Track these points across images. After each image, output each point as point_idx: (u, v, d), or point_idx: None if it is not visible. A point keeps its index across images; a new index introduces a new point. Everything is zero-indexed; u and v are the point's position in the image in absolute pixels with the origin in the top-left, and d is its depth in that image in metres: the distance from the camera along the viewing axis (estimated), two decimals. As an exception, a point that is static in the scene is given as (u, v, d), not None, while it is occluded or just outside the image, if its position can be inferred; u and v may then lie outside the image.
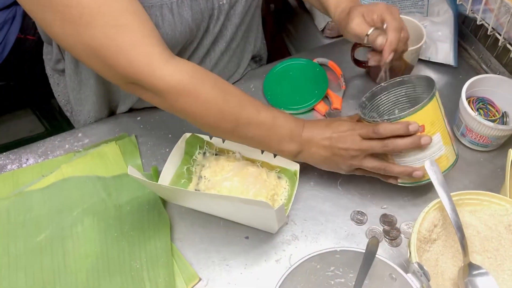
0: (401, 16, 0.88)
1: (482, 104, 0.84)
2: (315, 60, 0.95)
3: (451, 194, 0.63)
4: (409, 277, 0.54)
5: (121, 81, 0.65)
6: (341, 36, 1.11)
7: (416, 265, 0.53)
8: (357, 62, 0.93)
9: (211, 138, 0.80)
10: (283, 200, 0.76)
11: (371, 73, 0.95)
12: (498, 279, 0.61)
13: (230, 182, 0.76)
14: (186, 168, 0.79)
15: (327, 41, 1.13)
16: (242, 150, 0.79)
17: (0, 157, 0.83)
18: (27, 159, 0.83)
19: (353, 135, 0.69)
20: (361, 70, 0.96)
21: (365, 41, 0.73)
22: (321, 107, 0.89)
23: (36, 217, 0.75)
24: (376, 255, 0.56)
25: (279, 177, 0.78)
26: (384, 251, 0.73)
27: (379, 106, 0.78)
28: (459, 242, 0.61)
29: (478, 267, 0.60)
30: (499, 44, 0.78)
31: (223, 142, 0.79)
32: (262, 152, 0.78)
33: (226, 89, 0.68)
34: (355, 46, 0.89)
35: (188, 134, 0.79)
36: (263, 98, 0.92)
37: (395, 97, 0.78)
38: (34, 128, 1.77)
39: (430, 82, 0.71)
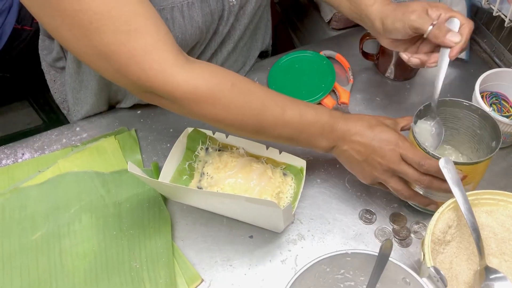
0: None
1: (496, 99, 0.81)
2: (322, 53, 0.92)
3: (467, 193, 0.60)
4: (424, 282, 0.51)
5: (137, 89, 0.61)
6: (347, 28, 1.09)
7: (432, 270, 0.51)
8: (366, 55, 0.90)
9: (214, 133, 0.77)
10: (289, 198, 0.73)
11: (379, 67, 0.91)
12: (515, 283, 0.59)
13: (234, 179, 0.73)
14: (188, 164, 0.76)
15: (333, 33, 1.09)
16: (246, 146, 0.76)
17: (-6, 151, 0.81)
18: (23, 154, 0.80)
19: (394, 152, 0.64)
20: (369, 63, 0.93)
21: (426, 34, 0.66)
22: (328, 101, 0.86)
23: (32, 214, 0.72)
24: (390, 258, 0.53)
25: (284, 174, 0.75)
26: (393, 252, 0.70)
27: (433, 121, 0.71)
28: (474, 244, 0.58)
29: (495, 271, 0.58)
30: (515, 36, 0.75)
31: (227, 137, 0.77)
32: (267, 148, 0.75)
33: (246, 89, 0.63)
34: (364, 38, 0.86)
35: (190, 129, 0.77)
36: (268, 92, 0.89)
37: (453, 118, 0.72)
38: (31, 120, 1.73)
39: (496, 131, 0.66)
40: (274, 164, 0.76)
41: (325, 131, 0.66)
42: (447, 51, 0.66)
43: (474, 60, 0.93)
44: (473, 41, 0.94)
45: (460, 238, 0.62)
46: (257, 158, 0.76)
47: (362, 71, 0.92)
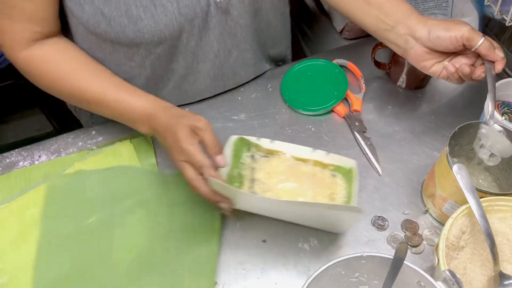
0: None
1: (508, 109, 0.81)
2: (334, 61, 0.93)
3: (480, 200, 0.60)
4: (440, 285, 0.52)
5: None
6: (360, 37, 1.10)
7: (448, 273, 0.51)
8: (378, 64, 0.91)
9: (258, 140, 0.78)
10: (343, 199, 0.73)
11: (391, 76, 0.92)
12: (529, 290, 0.59)
13: (286, 184, 0.73)
14: (237, 172, 0.76)
15: (345, 42, 1.11)
16: (292, 150, 0.77)
17: (12, 153, 0.82)
18: (40, 156, 0.81)
19: (177, 149, 0.66)
20: (381, 72, 0.94)
21: (475, 47, 0.68)
22: (341, 109, 0.87)
23: (90, 199, 0.74)
24: (405, 262, 0.54)
25: (333, 175, 0.75)
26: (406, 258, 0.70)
27: (471, 136, 0.71)
28: (489, 250, 0.58)
29: (510, 277, 0.58)
30: (528, 46, 0.76)
31: (271, 143, 0.78)
32: (313, 150, 0.76)
33: (70, 70, 0.74)
34: (376, 47, 0.87)
35: (234, 137, 0.77)
36: (281, 98, 0.90)
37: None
38: (42, 127, 1.75)
39: None
40: (322, 166, 0.76)
41: (142, 118, 0.72)
42: (492, 65, 0.69)
43: (485, 70, 0.93)
44: (484, 51, 0.95)
45: (474, 244, 0.62)
46: (303, 161, 0.77)
47: (374, 80, 0.93)
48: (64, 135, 0.84)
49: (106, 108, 0.74)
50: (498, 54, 0.68)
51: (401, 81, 0.91)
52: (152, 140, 0.83)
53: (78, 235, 0.71)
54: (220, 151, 0.67)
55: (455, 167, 0.63)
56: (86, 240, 0.70)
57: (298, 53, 1.28)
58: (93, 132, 0.84)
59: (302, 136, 0.85)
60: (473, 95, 0.90)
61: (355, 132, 0.84)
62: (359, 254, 0.55)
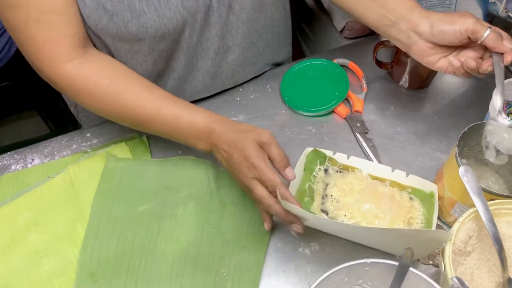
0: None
1: (513, 109, 0.79)
2: (335, 61, 0.91)
3: (488, 203, 0.58)
4: (447, 293, 0.50)
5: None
6: (361, 37, 1.08)
7: (456, 280, 0.49)
8: (379, 63, 0.89)
9: (334, 154, 0.75)
10: (420, 224, 0.69)
11: (393, 75, 0.90)
12: (539, 297, 0.57)
13: (364, 205, 0.70)
14: (308, 185, 0.73)
15: (346, 42, 1.09)
16: (369, 168, 0.74)
17: (4, 156, 0.79)
18: (33, 159, 0.79)
19: (249, 170, 0.64)
20: (383, 72, 0.92)
21: (481, 39, 0.65)
22: (342, 109, 0.85)
23: (144, 187, 0.74)
24: (410, 269, 0.52)
25: (411, 198, 0.71)
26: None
27: (480, 137, 0.69)
28: (497, 255, 0.56)
29: (519, 283, 0.56)
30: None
31: (347, 158, 0.75)
32: (393, 170, 0.73)
33: (124, 87, 0.70)
34: (378, 46, 0.85)
35: (309, 149, 0.75)
36: (280, 99, 0.88)
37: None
38: (39, 129, 1.73)
39: None
40: (399, 187, 0.73)
41: (201, 134, 0.69)
42: (500, 58, 0.65)
43: (489, 69, 0.91)
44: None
45: (481, 249, 0.60)
46: (381, 181, 0.74)
47: (376, 80, 0.91)
48: (59, 137, 0.82)
49: (162, 125, 0.70)
50: (506, 46, 0.64)
51: (404, 81, 0.89)
52: (148, 142, 0.81)
53: (128, 221, 0.71)
54: (288, 164, 0.66)
55: (461, 169, 0.61)
56: (135, 227, 0.70)
57: (298, 53, 1.26)
58: (88, 135, 0.82)
59: (302, 137, 0.83)
60: (477, 95, 0.88)
61: (357, 134, 0.82)
62: (363, 261, 0.52)
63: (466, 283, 0.57)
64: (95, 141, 0.82)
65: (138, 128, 0.74)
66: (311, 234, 0.71)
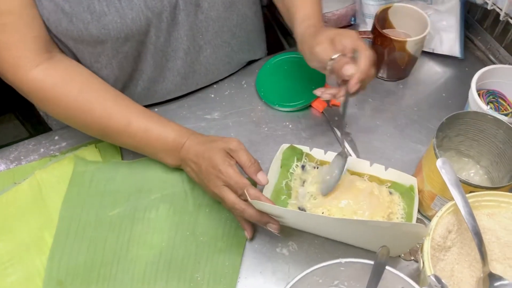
0: (402, 4, 0.83)
1: (493, 98, 0.77)
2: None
3: (467, 195, 0.56)
4: (425, 291, 0.48)
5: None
6: (339, 28, 1.05)
7: (433, 278, 0.47)
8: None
9: (311, 150, 0.73)
10: (401, 219, 0.67)
11: (371, 67, 0.88)
12: (522, 291, 0.55)
13: (342, 201, 0.67)
14: (285, 183, 0.71)
15: (323, 34, 1.06)
16: (348, 163, 0.71)
17: (-32, 163, 0.76)
18: (-2, 165, 0.76)
19: (218, 178, 0.64)
20: (361, 64, 0.89)
21: (327, 68, 0.66)
22: (319, 104, 0.83)
23: (115, 190, 0.71)
24: (387, 267, 0.49)
25: (390, 193, 0.70)
26: (391, 261, 0.66)
27: (460, 128, 0.68)
28: (477, 249, 0.54)
29: (500, 278, 0.54)
30: (512, 30, 0.72)
31: (325, 153, 0.73)
32: (371, 164, 0.71)
33: (94, 96, 0.68)
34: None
35: (286, 145, 0.73)
36: (256, 95, 0.85)
37: (475, 130, 0.67)
38: (18, 133, 1.69)
39: None
40: (378, 182, 0.71)
41: (170, 149, 0.69)
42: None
43: (468, 58, 0.90)
44: (467, 39, 0.92)
45: (461, 243, 0.58)
46: (359, 175, 0.71)
47: (354, 72, 0.89)
48: (25, 141, 0.79)
49: (132, 138, 0.69)
50: (343, 73, 0.63)
51: (382, 73, 0.87)
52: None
53: (98, 226, 0.68)
54: (259, 168, 0.65)
55: (438, 161, 0.59)
56: (105, 233, 0.68)
57: (276, 47, 1.23)
58: (56, 138, 0.79)
59: (279, 133, 0.80)
60: (458, 84, 0.86)
61: (335, 128, 0.80)
62: (337, 261, 0.50)
63: (444, 280, 0.55)
64: (63, 144, 0.79)
65: (106, 139, 0.73)
66: (289, 233, 0.69)
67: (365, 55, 0.64)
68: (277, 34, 1.24)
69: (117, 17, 0.65)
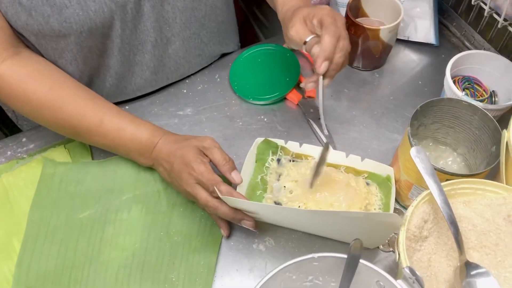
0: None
1: (469, 84, 0.76)
2: (285, 45, 0.87)
3: (442, 184, 0.55)
4: (400, 284, 0.46)
5: None
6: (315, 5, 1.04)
7: (407, 271, 0.46)
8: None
9: (286, 143, 0.71)
10: (378, 210, 0.66)
11: (346, 57, 0.87)
12: (499, 278, 0.54)
13: (318, 194, 0.66)
14: (261, 177, 0.70)
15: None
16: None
17: None
18: (-37, 170, 0.73)
19: (190, 176, 0.62)
20: (336, 54, 0.88)
21: (304, 50, 0.63)
22: (294, 95, 0.81)
23: (85, 192, 0.69)
24: (360, 260, 0.48)
25: (367, 184, 0.68)
26: (370, 253, 0.65)
27: (435, 115, 0.67)
28: (453, 238, 0.53)
29: (477, 266, 0.53)
30: (485, 14, 0.71)
31: (300, 146, 0.71)
32: (347, 155, 0.70)
33: (65, 94, 0.66)
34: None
35: (260, 139, 0.71)
36: (230, 89, 0.83)
37: (450, 116, 0.66)
38: (-6, 136, 1.65)
39: (496, 135, 0.61)
40: (355, 173, 0.69)
41: (143, 148, 0.67)
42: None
43: (444, 45, 0.89)
44: (442, 25, 0.91)
45: (438, 233, 0.57)
46: (335, 167, 0.70)
47: (329, 63, 0.87)
48: (-9, 145, 0.76)
49: (104, 137, 0.67)
50: (315, 53, 0.61)
51: (357, 62, 0.85)
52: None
53: (68, 229, 0.66)
54: (233, 167, 0.63)
55: (412, 150, 0.58)
56: (76, 235, 0.66)
57: (251, 39, 1.22)
58: (24, 139, 0.77)
59: (254, 127, 0.79)
60: (434, 72, 0.85)
61: (310, 120, 0.78)
62: (310, 256, 0.49)
63: (422, 270, 0.54)
64: (31, 145, 0.76)
65: (77, 138, 0.71)
66: (266, 229, 0.67)
67: (327, 32, 0.60)
68: (253, 26, 1.22)
69: (79, 10, 0.63)
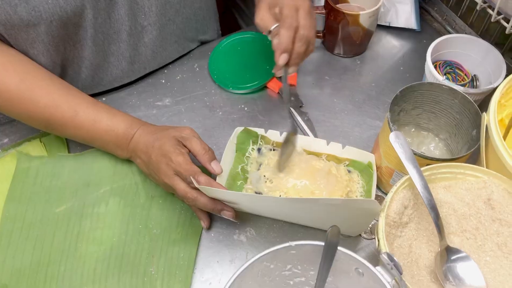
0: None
1: (450, 69, 0.76)
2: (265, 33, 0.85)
3: (422, 169, 0.54)
4: (379, 270, 0.46)
5: None
6: None
7: (385, 256, 0.45)
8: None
9: (266, 131, 0.70)
10: (360, 197, 0.66)
11: (326, 44, 0.86)
12: (480, 262, 0.53)
13: (298, 182, 0.65)
14: (241, 167, 0.69)
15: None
16: (303, 143, 0.69)
17: None
18: None
19: (168, 167, 0.61)
20: (317, 42, 0.87)
21: (270, 39, 0.63)
22: (274, 84, 0.80)
23: (61, 186, 0.68)
24: (339, 248, 0.47)
25: (349, 171, 0.68)
26: (352, 240, 0.64)
27: (416, 100, 0.66)
28: (433, 224, 0.53)
29: (457, 251, 0.52)
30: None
31: (281, 135, 0.70)
32: (328, 143, 0.69)
33: (37, 86, 0.64)
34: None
35: (240, 128, 0.70)
36: (209, 78, 0.82)
37: (431, 101, 0.65)
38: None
39: (477, 118, 0.60)
40: (336, 160, 0.68)
41: (120, 140, 0.66)
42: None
43: (426, 30, 0.88)
44: (423, 10, 0.90)
45: (418, 218, 0.56)
46: (316, 155, 0.69)
47: (310, 50, 0.86)
48: (-36, 140, 0.74)
49: (79, 129, 0.65)
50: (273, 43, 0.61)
51: (338, 49, 0.84)
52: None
53: (44, 224, 0.65)
54: (213, 157, 0.62)
55: (391, 135, 0.57)
56: (52, 230, 0.64)
57: (233, 27, 1.20)
58: (-3, 134, 0.75)
59: (234, 117, 0.77)
60: (415, 58, 0.84)
61: (291, 108, 0.77)
62: (287, 244, 0.48)
63: (403, 256, 0.54)
64: (5, 140, 0.74)
65: (51, 131, 0.69)
66: (247, 219, 0.66)
67: (283, 25, 0.60)
68: (235, 17, 1.21)
69: None
